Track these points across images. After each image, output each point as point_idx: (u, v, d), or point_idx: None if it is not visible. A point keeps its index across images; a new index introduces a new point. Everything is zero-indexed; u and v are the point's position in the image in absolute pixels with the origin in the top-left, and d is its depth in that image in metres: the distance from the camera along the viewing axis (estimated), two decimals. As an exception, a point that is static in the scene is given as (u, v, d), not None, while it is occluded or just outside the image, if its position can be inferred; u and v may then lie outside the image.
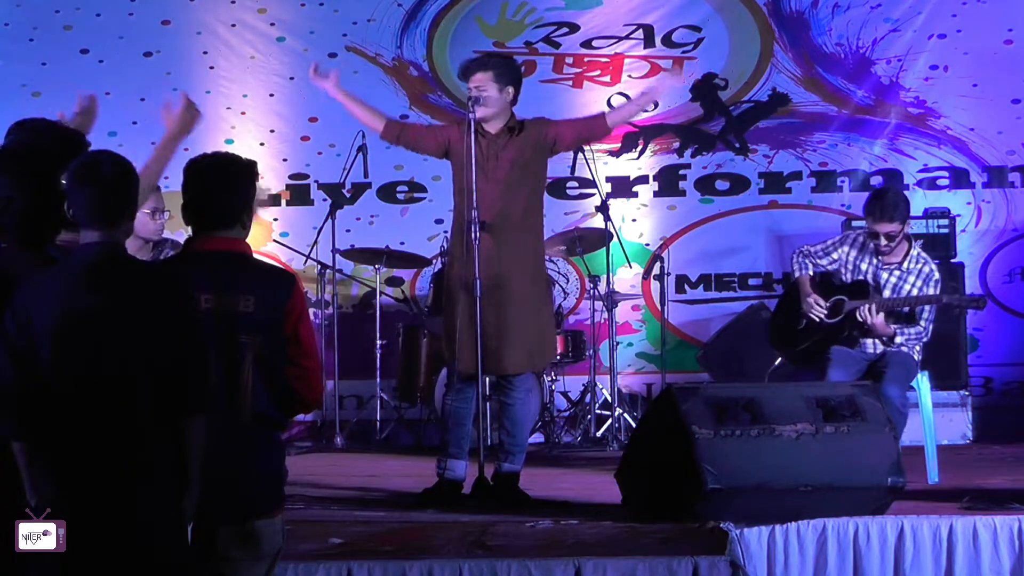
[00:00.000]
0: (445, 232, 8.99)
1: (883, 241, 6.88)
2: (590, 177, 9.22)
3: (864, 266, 7.01)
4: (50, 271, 3.61)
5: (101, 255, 3.59)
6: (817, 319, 7.02)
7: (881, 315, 6.84)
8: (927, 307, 6.93)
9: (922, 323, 6.93)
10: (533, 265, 6.45)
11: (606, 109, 6.53)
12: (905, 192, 7.79)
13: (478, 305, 6.18)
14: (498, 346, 6.26)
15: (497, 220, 6.28)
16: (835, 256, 7.09)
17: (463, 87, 6.61)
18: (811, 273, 7.11)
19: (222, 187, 4.00)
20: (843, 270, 7.07)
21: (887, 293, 6.94)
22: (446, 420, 6.45)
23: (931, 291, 6.92)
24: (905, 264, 6.97)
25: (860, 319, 6.84)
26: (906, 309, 6.94)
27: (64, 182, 3.65)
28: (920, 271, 6.96)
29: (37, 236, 3.73)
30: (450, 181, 6.56)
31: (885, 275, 6.98)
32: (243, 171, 4.06)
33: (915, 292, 6.93)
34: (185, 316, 3.61)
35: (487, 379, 6.64)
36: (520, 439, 6.44)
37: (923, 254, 7.06)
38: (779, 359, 7.84)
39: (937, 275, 6.98)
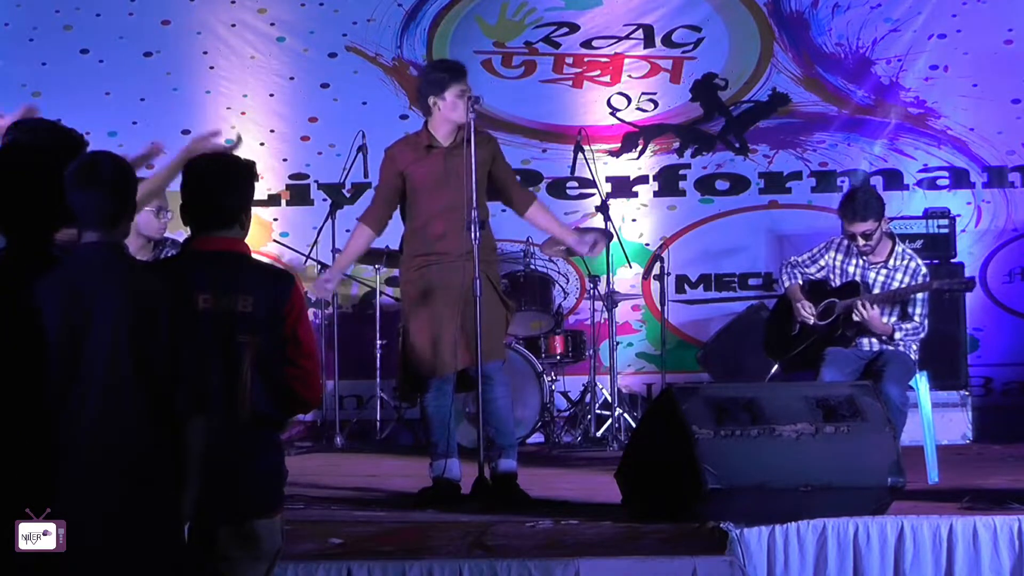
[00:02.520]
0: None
1: (860, 241, 6.91)
2: (590, 177, 9.22)
3: (851, 268, 7.04)
4: (52, 271, 3.61)
5: (101, 255, 3.59)
6: (810, 323, 7.05)
7: (877, 309, 6.85)
8: (919, 302, 6.94)
9: (916, 318, 6.94)
10: (492, 271, 6.48)
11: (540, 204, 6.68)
12: (879, 191, 7.79)
13: (478, 305, 6.19)
14: (466, 342, 6.29)
15: (458, 229, 6.30)
16: (822, 263, 7.12)
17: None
18: (800, 282, 7.14)
19: (221, 187, 4.00)
20: (831, 275, 7.10)
21: (876, 291, 6.96)
22: (430, 422, 6.44)
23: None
24: (891, 262, 7.00)
25: (857, 316, 6.86)
26: (898, 305, 6.95)
27: (64, 181, 3.65)
28: (907, 267, 6.98)
29: (39, 235, 3.73)
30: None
31: (872, 274, 7.00)
32: (242, 171, 4.06)
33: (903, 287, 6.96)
34: (183, 317, 3.61)
35: (460, 382, 6.62)
36: (507, 433, 6.45)
37: (908, 251, 7.09)
38: (775, 367, 7.85)
39: (924, 270, 7.01)
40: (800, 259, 7.20)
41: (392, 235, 9.43)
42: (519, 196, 6.68)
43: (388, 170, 6.54)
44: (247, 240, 4.09)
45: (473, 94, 6.35)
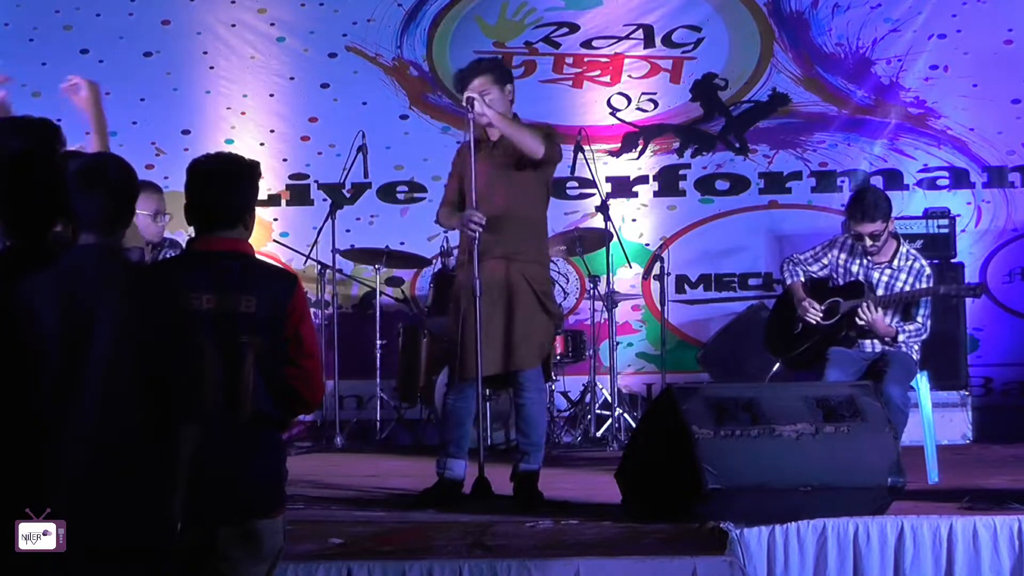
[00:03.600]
0: (445, 232, 9.00)
1: (868, 242, 6.90)
2: (590, 177, 9.23)
3: (855, 268, 7.03)
4: (48, 272, 3.60)
5: (97, 258, 3.59)
6: (813, 322, 7.04)
7: (880, 312, 6.85)
8: (923, 303, 6.94)
9: (919, 319, 6.93)
10: (533, 272, 6.40)
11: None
12: (887, 192, 7.77)
13: (478, 304, 6.19)
14: (507, 345, 6.27)
15: (503, 224, 6.27)
16: (825, 261, 7.11)
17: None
18: (802, 280, 7.13)
19: (224, 188, 4.00)
20: (834, 274, 7.09)
21: (880, 292, 6.96)
22: (446, 419, 6.45)
23: (924, 286, 6.94)
24: (895, 262, 6.99)
25: (860, 319, 6.85)
26: (902, 306, 6.95)
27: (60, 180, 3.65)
28: (911, 268, 6.98)
29: (33, 236, 3.71)
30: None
31: (876, 274, 6.99)
32: (245, 172, 4.06)
33: (907, 289, 6.95)
34: (180, 322, 3.60)
35: (495, 381, 6.62)
36: (534, 438, 6.42)
37: (912, 251, 7.08)
38: (777, 365, 7.85)
39: (928, 271, 6.99)
40: (802, 256, 7.19)
41: (392, 235, 9.49)
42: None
43: (454, 166, 6.54)
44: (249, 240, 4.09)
45: (469, 94, 6.33)
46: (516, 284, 6.30)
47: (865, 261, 7.01)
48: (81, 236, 3.62)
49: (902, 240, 7.14)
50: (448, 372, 6.52)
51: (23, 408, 3.48)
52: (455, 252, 8.92)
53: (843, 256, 7.07)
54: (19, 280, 3.54)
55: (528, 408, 6.40)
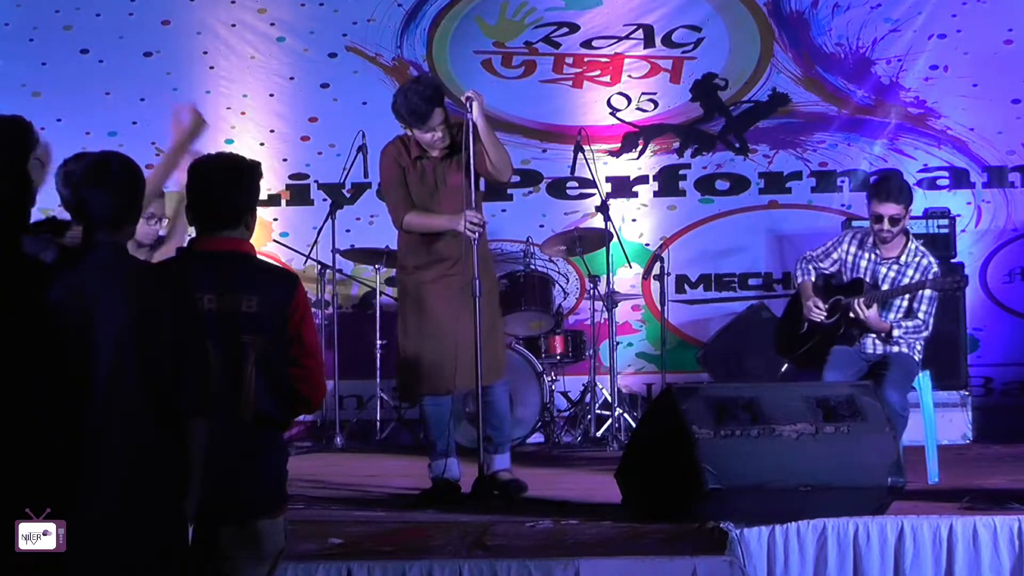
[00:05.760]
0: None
1: (886, 225, 6.84)
2: (590, 177, 9.22)
3: (863, 263, 7.01)
4: (57, 271, 3.60)
5: (104, 256, 3.59)
6: (817, 320, 7.03)
7: (874, 309, 6.83)
8: (924, 300, 6.90)
9: (920, 315, 6.90)
10: (485, 278, 6.39)
11: None
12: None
13: (477, 304, 6.18)
14: (468, 362, 6.25)
15: (452, 235, 6.31)
16: (835, 256, 7.10)
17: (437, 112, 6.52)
18: (812, 278, 7.13)
19: (226, 188, 4.01)
20: (844, 269, 7.07)
21: (885, 287, 6.94)
22: (428, 421, 6.46)
23: None
24: (903, 258, 6.97)
25: (853, 315, 6.85)
26: (899, 303, 6.93)
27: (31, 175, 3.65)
28: (919, 264, 6.95)
29: (11, 232, 3.69)
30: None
31: (883, 270, 6.97)
32: (247, 172, 4.07)
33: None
34: (187, 318, 3.61)
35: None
36: (507, 431, 6.56)
37: (921, 248, 7.04)
38: (785, 365, 7.84)
39: (935, 268, 6.95)
40: (815, 253, 7.18)
41: (392, 235, 9.47)
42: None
43: (396, 167, 6.49)
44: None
45: (469, 94, 6.34)
46: (468, 297, 6.25)
47: (874, 256, 6.98)
48: (92, 235, 3.62)
49: (912, 237, 7.09)
50: (411, 381, 6.50)
51: (34, 406, 3.48)
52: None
53: (853, 249, 7.04)
54: (38, 282, 3.54)
55: (498, 405, 6.46)
